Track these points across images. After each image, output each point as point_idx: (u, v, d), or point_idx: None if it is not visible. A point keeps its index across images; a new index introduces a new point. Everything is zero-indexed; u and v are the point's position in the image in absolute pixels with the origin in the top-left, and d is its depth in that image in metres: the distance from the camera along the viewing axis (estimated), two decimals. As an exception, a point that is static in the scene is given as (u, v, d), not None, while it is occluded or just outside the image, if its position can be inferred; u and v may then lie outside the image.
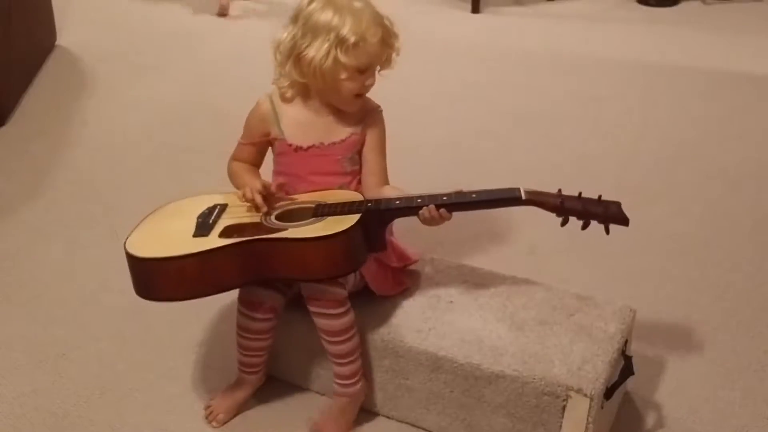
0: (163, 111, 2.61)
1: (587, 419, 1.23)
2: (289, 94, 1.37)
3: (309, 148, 1.37)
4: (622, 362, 1.33)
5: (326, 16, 1.28)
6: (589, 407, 1.22)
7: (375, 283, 1.37)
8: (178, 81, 2.83)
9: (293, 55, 1.32)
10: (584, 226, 1.26)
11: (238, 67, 2.93)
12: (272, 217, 1.30)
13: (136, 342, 1.60)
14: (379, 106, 1.40)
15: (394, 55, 1.34)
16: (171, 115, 2.58)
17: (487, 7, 3.55)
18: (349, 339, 1.31)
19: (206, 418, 1.40)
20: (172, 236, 1.28)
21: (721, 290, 1.76)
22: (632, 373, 1.35)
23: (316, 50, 1.28)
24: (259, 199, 1.30)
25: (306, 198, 1.35)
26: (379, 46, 1.30)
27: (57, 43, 3.01)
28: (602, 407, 1.26)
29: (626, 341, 1.36)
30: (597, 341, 1.31)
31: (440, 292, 1.42)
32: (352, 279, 1.33)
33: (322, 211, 1.28)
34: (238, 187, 1.38)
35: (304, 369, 1.45)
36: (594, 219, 1.25)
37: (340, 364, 1.33)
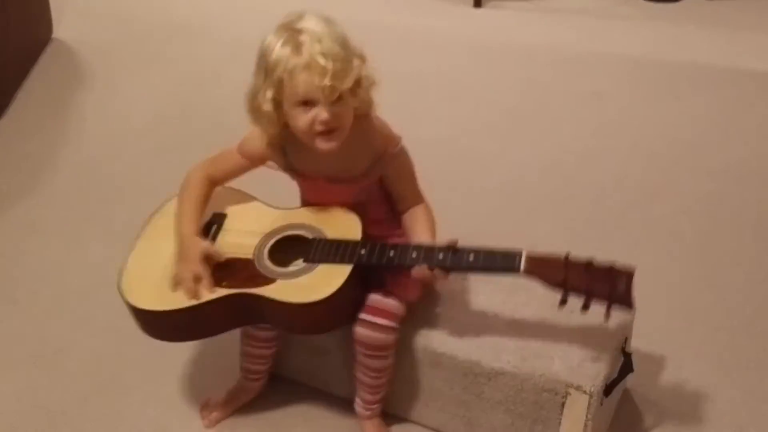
0: (163, 105, 2.60)
1: (586, 416, 1.22)
2: (271, 131, 1.25)
3: (320, 184, 1.29)
4: (622, 359, 1.33)
5: (264, 45, 1.18)
6: (589, 404, 1.22)
7: (413, 296, 1.32)
8: (178, 75, 2.82)
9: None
10: (584, 307, 1.14)
11: (239, 61, 2.90)
12: (266, 253, 1.25)
13: (134, 339, 1.58)
14: (395, 143, 1.27)
15: (346, 84, 1.16)
16: (170, 110, 2.57)
17: (489, 1, 3.54)
18: (388, 373, 1.31)
19: (201, 418, 1.39)
20: (164, 275, 1.25)
21: (722, 288, 1.76)
22: (632, 371, 1.34)
23: (253, 89, 1.19)
24: (196, 284, 1.22)
25: (305, 219, 1.29)
26: (310, 76, 1.13)
27: (53, 36, 2.99)
28: (601, 404, 1.26)
29: (626, 338, 1.35)
30: (597, 338, 1.30)
31: (440, 289, 1.42)
32: (402, 313, 1.27)
33: (315, 254, 1.22)
34: (179, 211, 1.30)
35: (304, 365, 1.44)
36: (597, 298, 1.14)
37: (373, 393, 1.32)
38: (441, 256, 1.17)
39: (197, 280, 1.22)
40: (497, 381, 1.27)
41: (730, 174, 2.24)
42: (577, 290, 1.13)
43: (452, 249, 1.17)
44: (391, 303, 1.25)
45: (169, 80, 2.77)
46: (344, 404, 1.42)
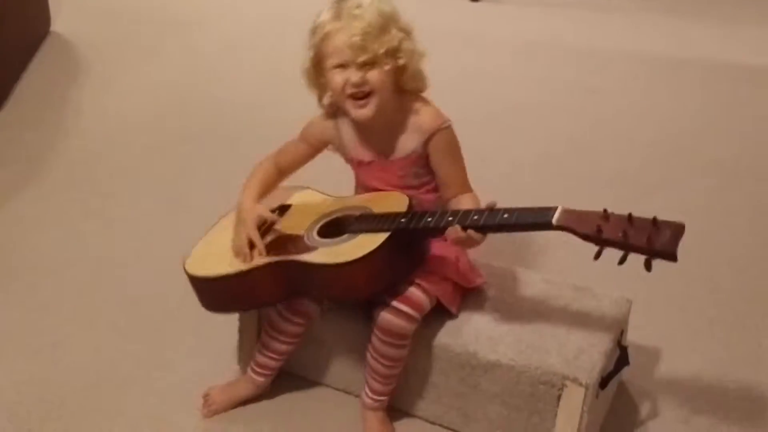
0: (160, 99, 2.60)
1: (582, 408, 1.23)
2: (326, 106, 1.35)
3: (370, 162, 1.35)
4: (618, 352, 1.34)
5: (315, 17, 1.27)
6: (584, 396, 1.22)
7: (453, 305, 1.34)
8: (175, 68, 2.82)
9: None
10: (621, 261, 1.07)
11: (235, 54, 2.91)
12: (315, 231, 1.31)
13: (132, 332, 1.60)
14: (443, 124, 1.30)
15: (378, 48, 1.22)
16: (167, 103, 2.57)
17: (486, -4, 3.54)
18: (401, 364, 1.30)
19: (202, 405, 1.40)
20: (222, 249, 1.34)
21: (717, 282, 1.77)
22: (627, 363, 1.35)
23: (304, 57, 1.28)
24: (251, 249, 1.30)
25: (357, 202, 1.35)
26: (344, 38, 1.22)
27: (51, 29, 2.99)
28: (597, 396, 1.27)
29: (622, 332, 1.36)
30: (593, 331, 1.31)
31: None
32: (427, 307, 1.29)
33: (360, 225, 1.27)
34: (243, 188, 1.38)
35: (300, 357, 1.45)
36: (635, 252, 1.07)
37: (384, 384, 1.32)
38: (476, 216, 1.18)
39: (251, 245, 1.30)
40: (494, 373, 1.28)
41: (726, 169, 2.25)
42: (613, 241, 1.07)
43: (488, 209, 1.18)
44: (419, 295, 1.27)
45: (167, 75, 2.77)
46: (341, 396, 1.43)
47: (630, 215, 1.09)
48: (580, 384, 1.22)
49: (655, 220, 1.07)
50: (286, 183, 1.45)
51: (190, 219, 1.93)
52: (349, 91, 1.25)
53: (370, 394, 1.34)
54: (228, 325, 1.55)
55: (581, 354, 1.27)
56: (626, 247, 1.07)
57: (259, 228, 1.34)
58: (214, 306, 1.35)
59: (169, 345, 1.56)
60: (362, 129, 1.33)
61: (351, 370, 1.41)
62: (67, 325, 1.61)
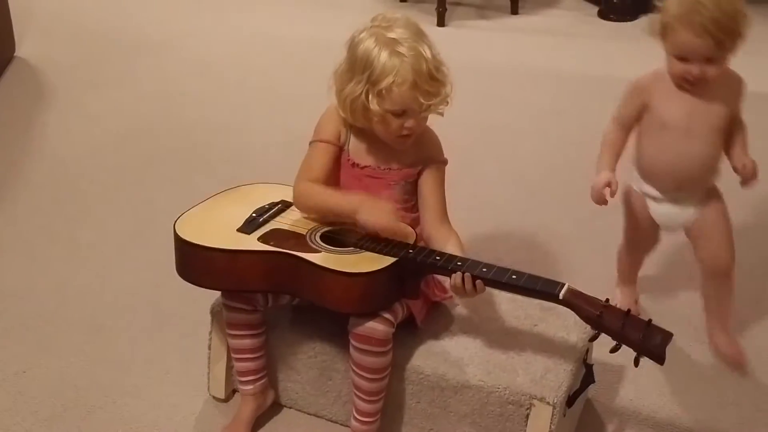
0: (125, 123, 2.58)
1: (550, 427, 1.25)
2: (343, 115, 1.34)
3: (365, 167, 1.35)
4: (584, 370, 1.36)
5: (365, 51, 1.25)
6: (552, 415, 1.24)
7: (419, 316, 1.35)
8: (141, 93, 2.81)
9: (336, 88, 1.31)
10: (613, 349, 1.16)
11: (203, 78, 2.91)
12: (318, 235, 1.31)
13: (98, 359, 1.58)
14: (443, 158, 1.40)
15: (439, 101, 1.29)
16: (133, 128, 2.55)
17: (452, 20, 3.60)
18: (385, 377, 1.29)
19: None
20: (218, 224, 1.34)
21: (678, 300, 1.80)
22: (593, 381, 1.38)
23: (350, 91, 1.27)
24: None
25: None
26: (413, 93, 1.25)
27: (16, 54, 2.96)
28: (564, 414, 1.29)
29: (587, 350, 1.39)
30: (559, 351, 1.34)
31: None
32: (400, 313, 1.29)
33: (366, 243, 1.27)
34: (327, 204, 1.31)
35: (272, 383, 1.44)
36: (627, 345, 1.15)
37: (369, 402, 1.30)
38: (485, 269, 1.21)
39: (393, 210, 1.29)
40: (463, 394, 1.29)
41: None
42: (611, 330, 1.15)
43: (497, 266, 1.22)
44: (382, 330, 1.25)
45: (133, 98, 2.76)
46: (313, 421, 1.43)
47: (628, 311, 1.17)
48: (548, 403, 1.24)
49: (649, 322, 1.15)
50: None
51: (157, 243, 1.92)
52: (405, 133, 1.30)
53: (355, 415, 1.33)
54: (197, 351, 1.54)
55: (548, 373, 1.29)
56: (621, 338, 1.15)
57: (261, 214, 1.34)
58: (191, 276, 1.31)
59: (135, 372, 1.54)
60: (368, 136, 1.34)
61: (322, 395, 1.40)
62: (32, 353, 1.59)
